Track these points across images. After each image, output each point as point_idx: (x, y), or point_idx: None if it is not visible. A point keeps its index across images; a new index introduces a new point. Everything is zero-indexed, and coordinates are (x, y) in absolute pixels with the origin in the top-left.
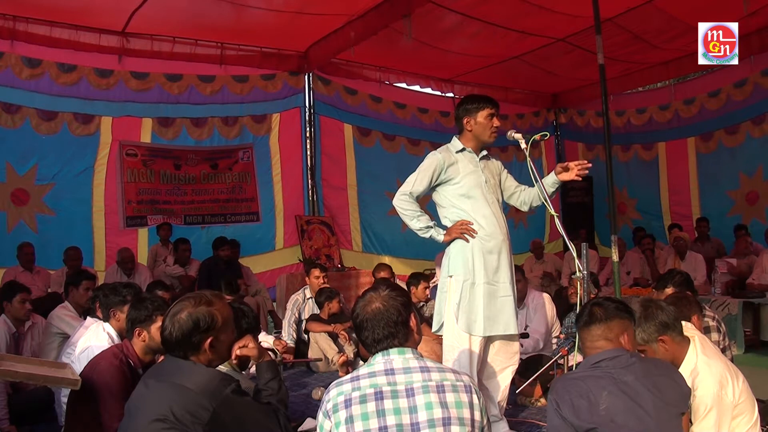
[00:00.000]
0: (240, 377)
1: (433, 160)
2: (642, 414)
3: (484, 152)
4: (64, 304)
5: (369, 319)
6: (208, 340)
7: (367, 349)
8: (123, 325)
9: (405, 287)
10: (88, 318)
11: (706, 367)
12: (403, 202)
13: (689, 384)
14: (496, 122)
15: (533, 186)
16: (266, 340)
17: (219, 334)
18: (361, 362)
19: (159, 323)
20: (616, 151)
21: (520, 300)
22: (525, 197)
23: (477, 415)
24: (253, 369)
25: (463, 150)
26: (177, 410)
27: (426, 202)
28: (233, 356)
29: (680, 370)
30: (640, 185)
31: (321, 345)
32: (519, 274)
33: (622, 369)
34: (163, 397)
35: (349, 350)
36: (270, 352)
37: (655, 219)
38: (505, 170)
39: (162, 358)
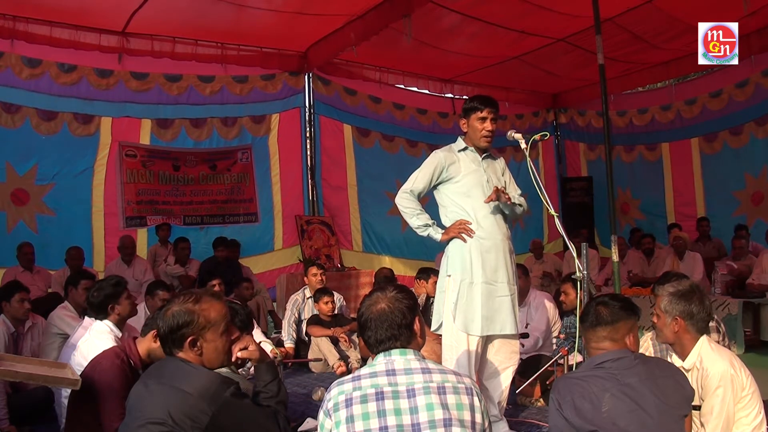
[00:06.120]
0: (239, 378)
1: (434, 158)
2: (644, 417)
3: (486, 153)
4: (64, 304)
5: (373, 319)
6: (188, 339)
7: (369, 348)
8: (123, 312)
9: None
10: (86, 318)
11: (714, 353)
12: (404, 200)
13: (698, 367)
14: (488, 126)
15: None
16: (266, 347)
17: (203, 333)
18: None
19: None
20: (619, 151)
21: (522, 297)
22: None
23: (478, 418)
24: (252, 369)
25: (465, 149)
26: (175, 414)
27: (424, 203)
28: (233, 359)
29: (689, 355)
30: (645, 186)
31: (322, 349)
32: (520, 270)
33: (625, 371)
34: (161, 400)
35: (354, 356)
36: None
37: (658, 219)
38: (508, 172)
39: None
